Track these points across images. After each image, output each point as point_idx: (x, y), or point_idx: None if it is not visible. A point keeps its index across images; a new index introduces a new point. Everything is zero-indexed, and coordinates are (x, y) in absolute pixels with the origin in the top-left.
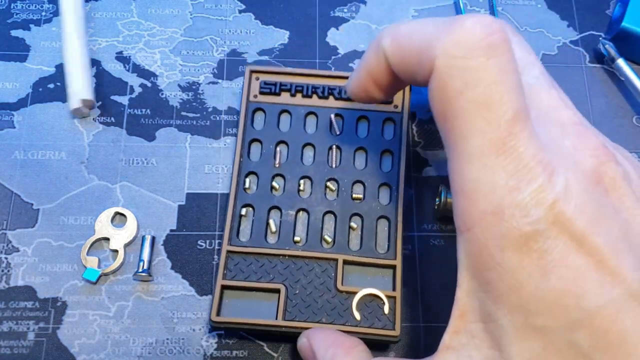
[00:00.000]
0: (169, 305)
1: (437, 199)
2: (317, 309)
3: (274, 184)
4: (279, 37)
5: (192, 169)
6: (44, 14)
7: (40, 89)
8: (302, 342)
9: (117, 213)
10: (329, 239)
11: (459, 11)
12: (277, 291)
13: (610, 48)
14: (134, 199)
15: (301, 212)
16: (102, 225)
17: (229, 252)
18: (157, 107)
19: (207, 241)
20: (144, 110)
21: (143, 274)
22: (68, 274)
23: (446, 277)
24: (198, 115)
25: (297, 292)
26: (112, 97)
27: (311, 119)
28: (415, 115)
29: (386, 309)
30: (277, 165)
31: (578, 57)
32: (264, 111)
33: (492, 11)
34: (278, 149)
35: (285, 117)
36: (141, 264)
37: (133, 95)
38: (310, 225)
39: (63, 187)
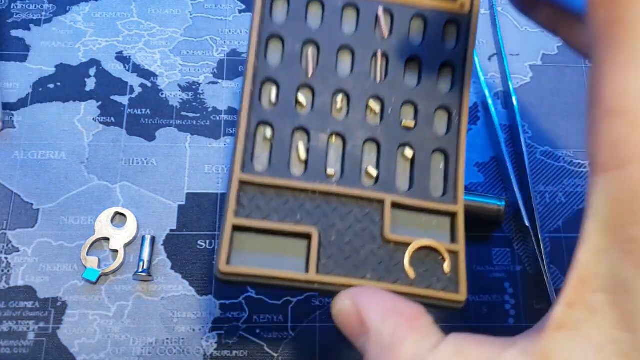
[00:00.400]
0: (169, 305)
1: None
2: (360, 261)
3: (300, 97)
4: None
5: (192, 169)
6: (44, 14)
7: (40, 89)
8: (344, 304)
9: (117, 213)
10: (371, 175)
11: None
12: (307, 236)
13: None
14: (134, 199)
15: (335, 138)
16: (102, 225)
17: (242, 182)
18: (157, 107)
19: (207, 241)
20: (144, 110)
21: (143, 274)
22: (68, 274)
23: None
24: (198, 115)
25: (333, 238)
26: (112, 97)
27: (350, 14)
28: None
29: (446, 267)
30: (309, 75)
31: (578, 57)
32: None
33: (492, 11)
34: (305, 51)
35: (315, 9)
36: (141, 264)
37: (133, 95)
38: (346, 155)
39: (63, 187)
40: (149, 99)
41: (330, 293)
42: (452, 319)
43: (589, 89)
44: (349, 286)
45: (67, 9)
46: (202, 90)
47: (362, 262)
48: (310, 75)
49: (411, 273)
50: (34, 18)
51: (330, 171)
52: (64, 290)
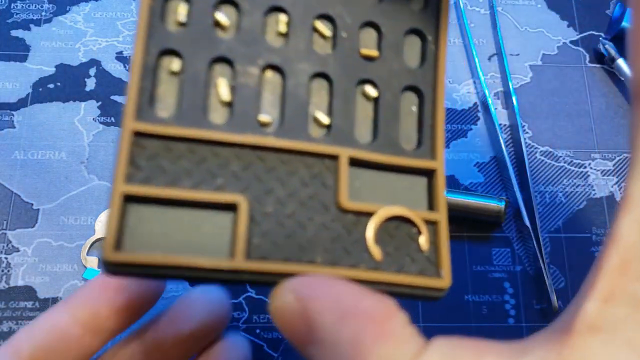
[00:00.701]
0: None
1: None
2: (307, 240)
3: (220, 16)
4: None
5: None
6: (44, 14)
7: (40, 89)
8: (285, 301)
9: None
10: (323, 121)
11: (459, 11)
12: (232, 208)
13: (610, 48)
14: None
15: (270, 72)
16: (102, 225)
17: (138, 134)
18: None
19: None
20: None
21: None
22: (68, 274)
23: None
24: None
25: (270, 210)
26: (112, 97)
27: None
28: None
29: (423, 242)
30: None
31: (578, 57)
32: None
33: (492, 11)
34: None
35: None
36: None
37: None
38: (287, 95)
39: (63, 187)
40: None
41: (267, 284)
42: (448, 319)
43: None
44: (292, 275)
45: (67, 9)
46: None
47: (309, 240)
48: None
49: (377, 253)
50: (34, 18)
51: (264, 118)
52: (64, 290)
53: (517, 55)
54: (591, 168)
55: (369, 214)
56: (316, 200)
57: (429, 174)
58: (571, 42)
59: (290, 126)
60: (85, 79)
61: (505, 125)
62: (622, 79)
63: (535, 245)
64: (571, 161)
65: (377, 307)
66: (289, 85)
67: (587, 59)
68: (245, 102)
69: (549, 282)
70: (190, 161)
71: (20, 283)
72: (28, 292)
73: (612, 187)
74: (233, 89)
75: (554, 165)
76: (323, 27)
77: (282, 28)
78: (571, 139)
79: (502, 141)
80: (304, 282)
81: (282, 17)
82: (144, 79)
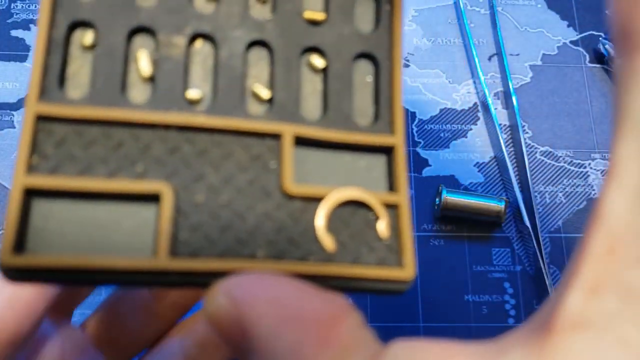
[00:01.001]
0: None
1: (437, 199)
2: (246, 232)
3: None
4: None
5: None
6: None
7: None
8: (218, 305)
9: None
10: (262, 95)
11: (459, 11)
12: (155, 198)
13: (610, 48)
14: None
15: (200, 42)
16: None
17: (42, 117)
18: None
19: None
20: None
21: None
22: None
23: (446, 277)
24: None
25: (200, 200)
26: None
27: None
28: (416, 115)
29: (382, 228)
30: None
31: (578, 57)
32: None
33: (492, 11)
34: None
35: None
36: None
37: None
38: (220, 67)
39: None
40: None
41: (201, 286)
42: (448, 319)
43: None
44: (229, 273)
45: None
46: None
47: (249, 232)
48: None
49: (329, 243)
50: (34, 18)
51: (193, 94)
52: None
53: (517, 55)
54: (591, 168)
55: (318, 199)
56: (256, 186)
57: (388, 151)
58: (571, 42)
59: (224, 102)
60: None
61: (505, 125)
62: None
63: (535, 245)
64: (571, 161)
65: (323, 309)
66: (222, 56)
67: (587, 59)
68: (169, 76)
69: (549, 282)
70: (106, 147)
71: None
72: None
73: None
74: (156, 63)
75: (554, 165)
76: None
77: None
78: (571, 139)
79: (502, 141)
80: (239, 282)
81: None
82: (50, 56)
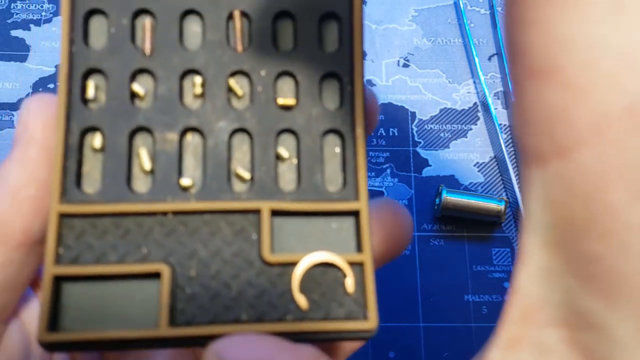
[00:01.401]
0: None
1: (437, 199)
2: (231, 299)
3: (136, 87)
4: None
5: None
6: (44, 14)
7: (40, 89)
8: None
9: None
10: (243, 179)
11: (459, 11)
12: (156, 275)
13: None
14: None
15: (190, 135)
16: None
17: (63, 215)
18: None
19: None
20: None
21: None
22: None
23: (446, 277)
24: None
25: (194, 274)
26: None
27: None
28: (416, 115)
29: (349, 284)
30: (147, 51)
31: None
32: None
33: (492, 11)
34: (138, 23)
35: None
36: None
37: None
38: (207, 155)
39: None
40: None
41: (197, 345)
42: (448, 319)
43: (507, 37)
44: (219, 336)
45: None
46: None
47: (234, 299)
48: (148, 53)
49: (302, 302)
50: (34, 18)
51: (185, 182)
52: None
53: None
54: None
55: (293, 264)
56: (240, 257)
57: (354, 214)
58: None
59: (211, 186)
60: None
61: (505, 125)
62: None
63: None
64: None
65: (298, 358)
66: (209, 145)
67: None
68: (165, 168)
69: None
70: (115, 235)
71: None
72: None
73: None
74: (154, 157)
75: None
76: (239, 82)
77: (198, 90)
78: None
79: (502, 141)
80: (226, 344)
81: (197, 79)
82: (67, 160)
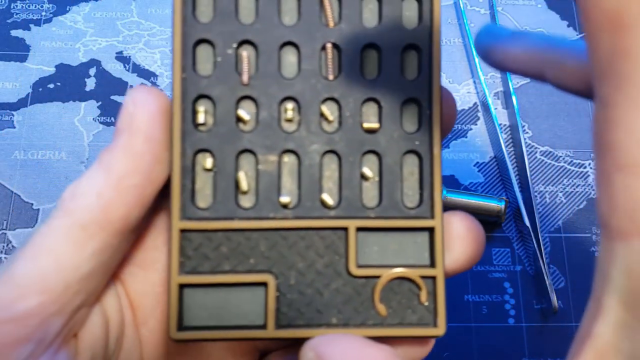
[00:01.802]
0: None
1: None
2: (323, 305)
3: (241, 112)
4: None
5: None
6: (44, 14)
7: (40, 89)
8: (307, 358)
9: None
10: (333, 195)
11: (459, 11)
12: (263, 284)
13: None
14: None
15: (287, 156)
16: None
17: (184, 231)
18: None
19: None
20: None
21: None
22: None
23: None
24: None
25: (293, 282)
26: (112, 97)
27: (289, 2)
28: None
29: (423, 296)
30: (248, 83)
31: None
32: None
33: (492, 11)
34: (241, 53)
35: (246, 0)
36: None
37: None
38: (302, 175)
39: (63, 187)
40: None
41: (297, 342)
42: (448, 319)
43: (595, 135)
44: (310, 336)
45: (67, 9)
46: None
47: (325, 305)
48: (249, 83)
49: (382, 310)
50: (34, 18)
51: (284, 199)
52: None
53: None
54: (591, 168)
55: (375, 277)
56: (331, 268)
57: (429, 230)
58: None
59: (306, 204)
60: (85, 79)
61: (505, 125)
62: None
63: (535, 245)
64: (571, 161)
65: (377, 355)
66: (304, 165)
67: None
68: (267, 187)
69: (549, 282)
70: (228, 247)
71: None
72: None
73: None
74: (257, 176)
75: (554, 165)
76: (329, 107)
77: (294, 115)
78: (571, 139)
79: (502, 141)
80: (320, 341)
81: (294, 105)
82: (184, 178)
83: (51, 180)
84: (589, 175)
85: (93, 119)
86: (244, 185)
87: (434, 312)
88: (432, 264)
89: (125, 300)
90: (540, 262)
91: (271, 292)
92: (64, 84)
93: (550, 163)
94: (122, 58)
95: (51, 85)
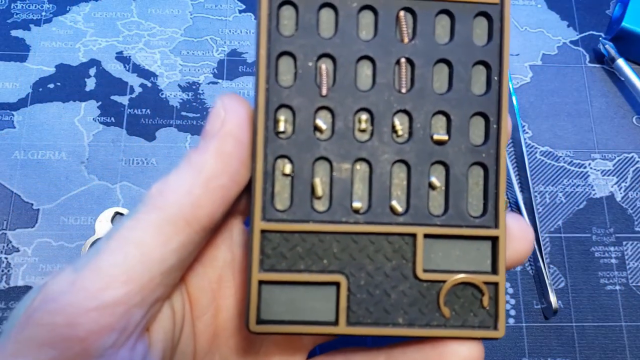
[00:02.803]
0: None
1: None
2: (390, 305)
3: (318, 122)
4: None
5: None
6: (44, 14)
7: (40, 89)
8: None
9: (117, 213)
10: (401, 202)
11: None
12: (336, 284)
13: (610, 48)
14: (134, 199)
15: (359, 164)
16: (102, 225)
17: (264, 231)
18: (157, 107)
19: None
20: (144, 110)
21: None
22: None
23: None
24: (198, 115)
25: (363, 283)
26: (112, 97)
27: (366, 17)
28: None
29: (485, 301)
30: (327, 94)
31: (578, 57)
32: (294, 6)
33: None
34: (321, 65)
35: (327, 15)
36: None
37: (133, 95)
38: (373, 182)
39: (63, 187)
40: (149, 99)
41: (365, 338)
42: None
43: None
44: (381, 336)
45: (67, 9)
46: (202, 90)
47: (392, 305)
48: (327, 95)
49: (446, 312)
50: (34, 18)
51: (356, 205)
52: None
53: (517, 55)
54: (591, 168)
55: (440, 282)
56: (398, 271)
57: (493, 240)
58: (571, 42)
59: (376, 210)
60: (85, 79)
61: None
62: (622, 79)
63: (535, 245)
64: (571, 161)
65: None
66: (375, 174)
67: (587, 59)
68: (340, 193)
69: (549, 282)
70: (303, 247)
71: (20, 283)
72: (28, 292)
73: (612, 187)
74: (331, 182)
75: (554, 165)
76: (401, 119)
77: (368, 126)
78: (571, 139)
79: None
80: None
81: (367, 116)
82: (265, 182)
83: (51, 180)
84: (589, 175)
85: (93, 119)
86: (319, 190)
87: (495, 316)
88: (494, 271)
89: (185, 295)
90: (540, 262)
91: (343, 292)
92: (64, 84)
93: (550, 163)
94: (122, 58)
95: (51, 85)
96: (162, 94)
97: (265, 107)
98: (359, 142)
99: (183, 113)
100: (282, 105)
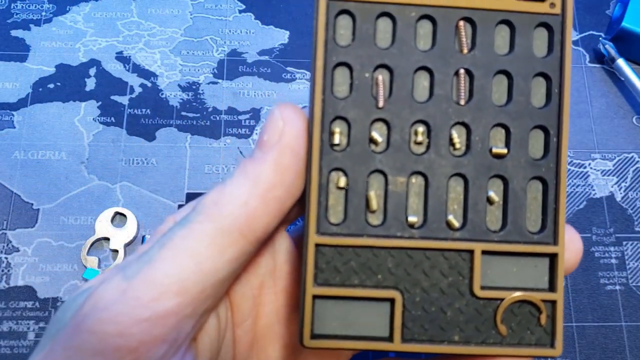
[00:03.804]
0: None
1: None
2: (446, 323)
3: (374, 134)
4: (279, 37)
5: (192, 169)
6: (44, 14)
7: (40, 89)
8: None
9: (117, 213)
10: (458, 217)
11: None
12: (390, 300)
13: (610, 48)
14: (134, 199)
15: (415, 177)
16: (102, 225)
17: (318, 245)
18: (157, 107)
19: None
20: (144, 110)
21: None
22: (68, 274)
23: None
24: (198, 115)
25: (418, 299)
26: (112, 97)
27: (425, 27)
28: None
29: (543, 319)
30: (383, 106)
31: (578, 57)
32: (351, 15)
33: None
34: (377, 77)
35: (384, 24)
36: None
37: (133, 95)
38: (429, 196)
39: (63, 187)
40: (149, 99)
41: (420, 357)
42: None
43: None
44: (436, 353)
45: (67, 9)
46: (202, 90)
47: (448, 323)
48: (383, 106)
49: (503, 330)
50: (34, 18)
51: (411, 219)
52: (64, 290)
53: None
54: (591, 168)
55: (497, 299)
56: (454, 287)
57: (551, 257)
58: (571, 42)
59: (432, 225)
60: (85, 79)
61: None
62: (622, 79)
63: None
64: (571, 161)
65: None
66: (431, 187)
67: (587, 59)
68: (395, 207)
69: None
70: (357, 262)
71: (20, 283)
72: (28, 292)
73: (612, 187)
74: (386, 196)
75: None
76: (459, 131)
77: (424, 138)
78: (571, 139)
79: None
80: None
81: (424, 129)
82: (320, 195)
83: (51, 180)
84: (589, 175)
85: (93, 119)
86: (373, 204)
87: (552, 334)
88: (552, 289)
89: (228, 302)
90: None
91: (398, 308)
92: (64, 84)
93: None
94: (122, 58)
95: (51, 85)
96: (162, 94)
97: (320, 118)
98: (415, 155)
99: (183, 113)
100: (337, 117)
